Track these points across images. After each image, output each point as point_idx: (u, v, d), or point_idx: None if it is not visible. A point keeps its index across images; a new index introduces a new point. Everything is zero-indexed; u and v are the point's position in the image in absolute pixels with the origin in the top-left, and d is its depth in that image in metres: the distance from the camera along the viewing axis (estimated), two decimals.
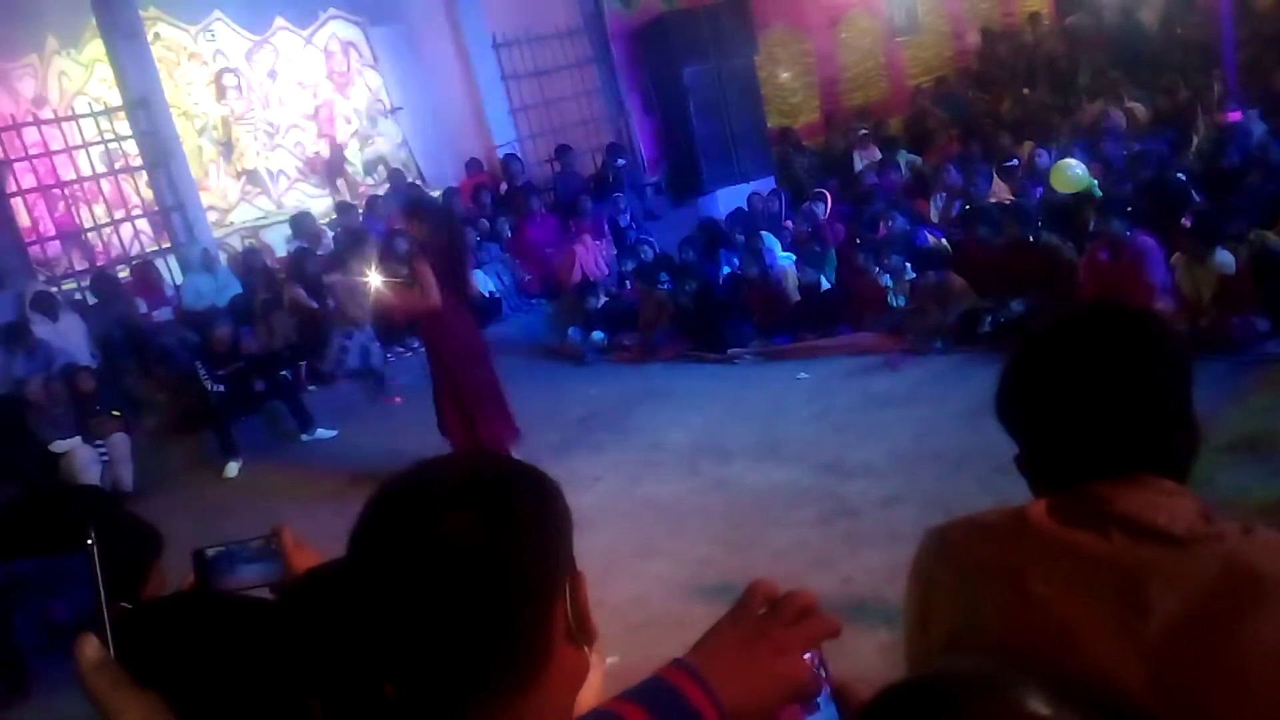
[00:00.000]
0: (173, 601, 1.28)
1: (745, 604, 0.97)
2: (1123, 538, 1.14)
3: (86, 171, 10.59)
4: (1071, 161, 8.64)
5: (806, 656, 0.94)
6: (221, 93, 11.88)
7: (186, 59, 11.70)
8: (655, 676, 0.89)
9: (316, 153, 12.55)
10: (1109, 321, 1.25)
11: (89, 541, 0.78)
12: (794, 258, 9.11)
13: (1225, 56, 10.54)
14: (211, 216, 11.29)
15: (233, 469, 8.08)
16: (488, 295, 10.30)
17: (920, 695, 0.68)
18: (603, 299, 9.90)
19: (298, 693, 1.00)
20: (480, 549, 0.85)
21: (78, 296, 10.00)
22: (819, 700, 0.94)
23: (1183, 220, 6.98)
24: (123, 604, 1.26)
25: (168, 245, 10.76)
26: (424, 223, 6.57)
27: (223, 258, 10.61)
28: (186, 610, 1.07)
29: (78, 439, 7.82)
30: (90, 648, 0.75)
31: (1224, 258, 6.52)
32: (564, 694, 0.92)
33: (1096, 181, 8.57)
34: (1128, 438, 1.19)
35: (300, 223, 10.78)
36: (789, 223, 10.07)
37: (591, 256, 10.70)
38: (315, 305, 9.68)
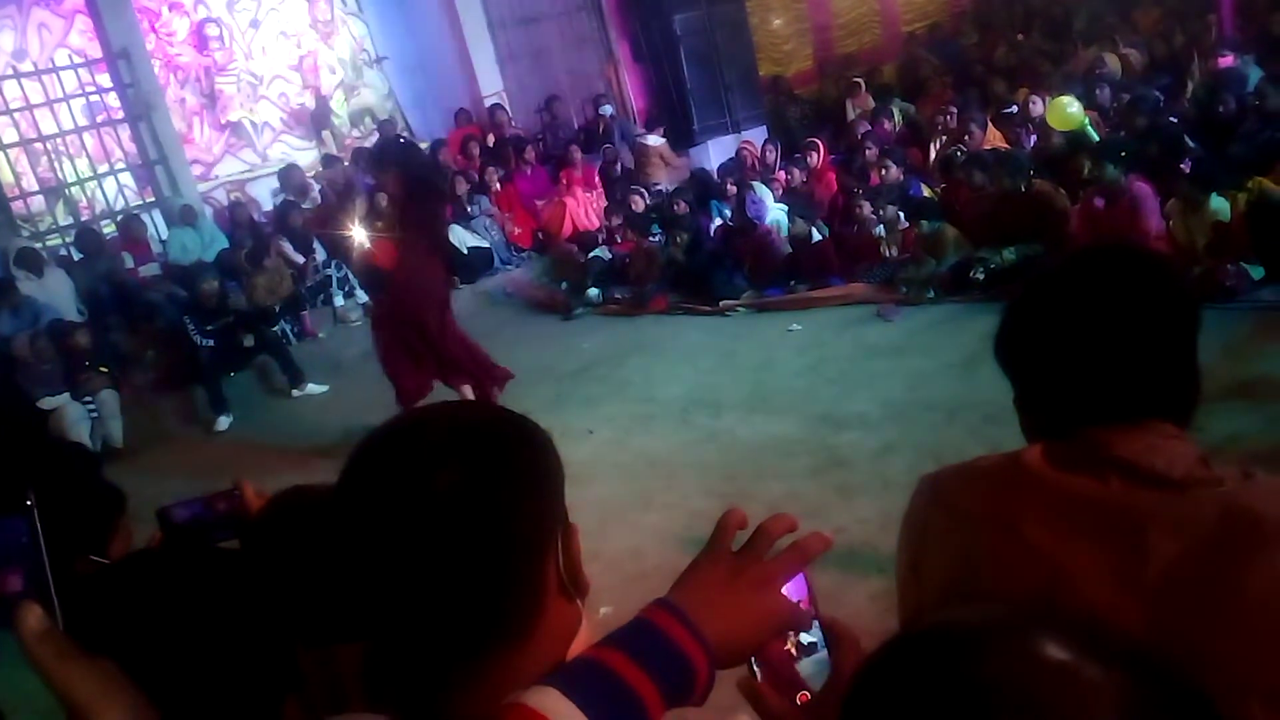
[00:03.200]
0: (138, 559, 1.26)
1: (719, 538, 0.95)
2: (1120, 482, 1.13)
3: (68, 125, 10.45)
4: (1067, 99, 8.57)
5: (798, 598, 0.92)
6: (203, 43, 11.67)
7: (167, 9, 11.48)
8: (637, 618, 0.87)
9: (301, 104, 12.37)
10: (1118, 263, 1.23)
11: (29, 504, 0.74)
12: (786, 208, 9.04)
13: (1222, 0, 10.42)
14: (196, 170, 11.17)
15: (223, 424, 8.06)
16: (476, 248, 10.22)
17: (935, 646, 0.66)
18: (597, 253, 9.82)
19: (279, 650, 0.98)
20: (468, 502, 0.83)
21: (63, 252, 9.90)
22: (815, 642, 0.92)
23: (1179, 167, 6.92)
24: (94, 558, 1.24)
25: (152, 199, 10.65)
26: (392, 171, 6.44)
27: (208, 212, 10.50)
28: (152, 568, 1.04)
29: (66, 396, 7.78)
30: (32, 617, 0.71)
31: (1219, 205, 6.48)
32: (556, 646, 0.91)
33: (1089, 120, 8.52)
34: (1132, 382, 1.17)
35: (288, 175, 10.66)
36: (782, 173, 9.99)
37: (582, 209, 10.62)
38: (302, 259, 9.62)
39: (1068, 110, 8.37)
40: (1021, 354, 1.26)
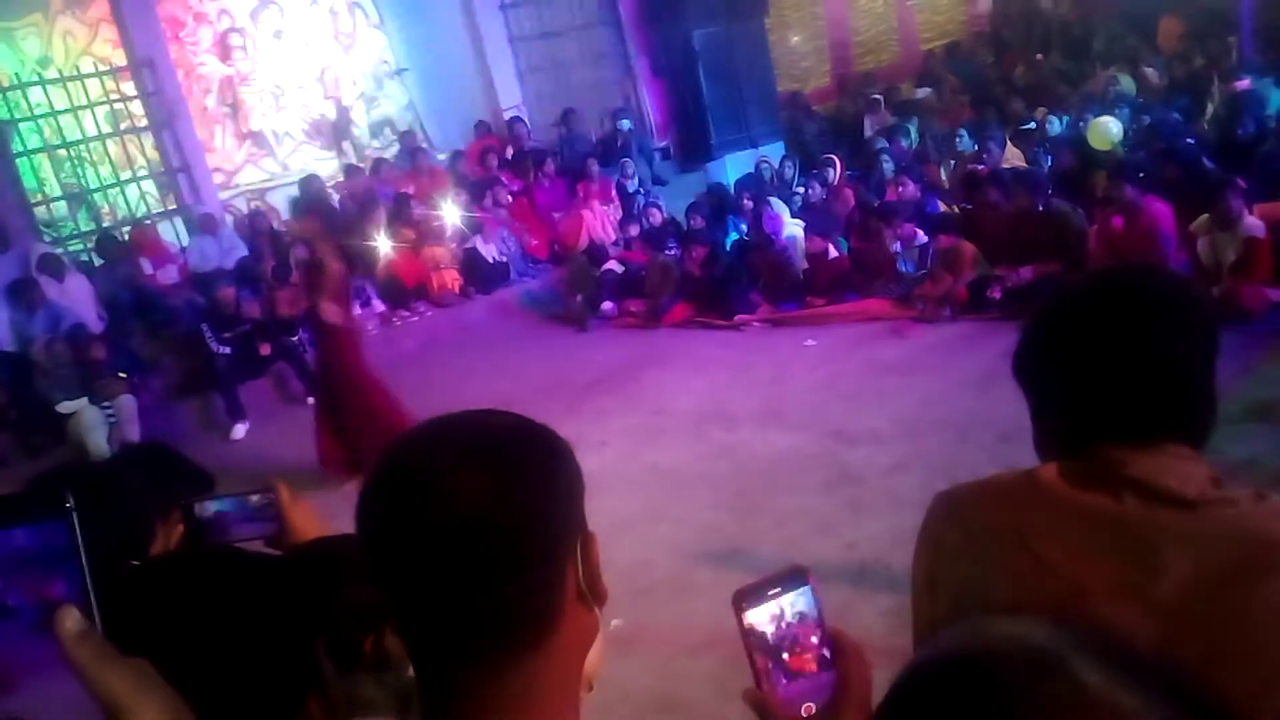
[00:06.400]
0: (167, 560, 1.28)
1: None
2: (1135, 501, 1.13)
3: (92, 132, 10.56)
4: (1108, 119, 8.64)
5: (809, 614, 0.92)
6: (227, 53, 11.78)
7: (192, 19, 11.60)
8: None
9: (322, 115, 12.47)
10: (1141, 283, 1.23)
11: (67, 507, 0.76)
12: (803, 224, 9.05)
13: (1242, 22, 10.40)
14: (217, 179, 11.27)
15: (239, 431, 8.10)
16: (493, 261, 10.29)
17: (968, 677, 0.64)
18: (612, 264, 9.84)
19: (301, 649, 0.99)
20: (489, 509, 0.84)
21: (84, 258, 9.99)
22: (817, 654, 0.93)
23: (1235, 181, 6.83)
24: (134, 562, 1.26)
25: (173, 207, 10.74)
26: (319, 224, 6.37)
27: (229, 220, 10.58)
28: (181, 569, 1.06)
29: (84, 400, 7.84)
30: (70, 620, 0.73)
31: (1252, 223, 6.44)
32: (574, 654, 0.91)
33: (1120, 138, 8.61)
34: (1150, 402, 1.17)
35: (308, 185, 10.74)
36: (800, 189, 10.00)
37: (599, 221, 10.65)
38: None
39: (1107, 130, 8.48)
40: (1040, 370, 1.27)
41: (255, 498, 1.46)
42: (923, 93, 12.96)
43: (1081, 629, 0.67)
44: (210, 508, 1.45)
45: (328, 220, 6.40)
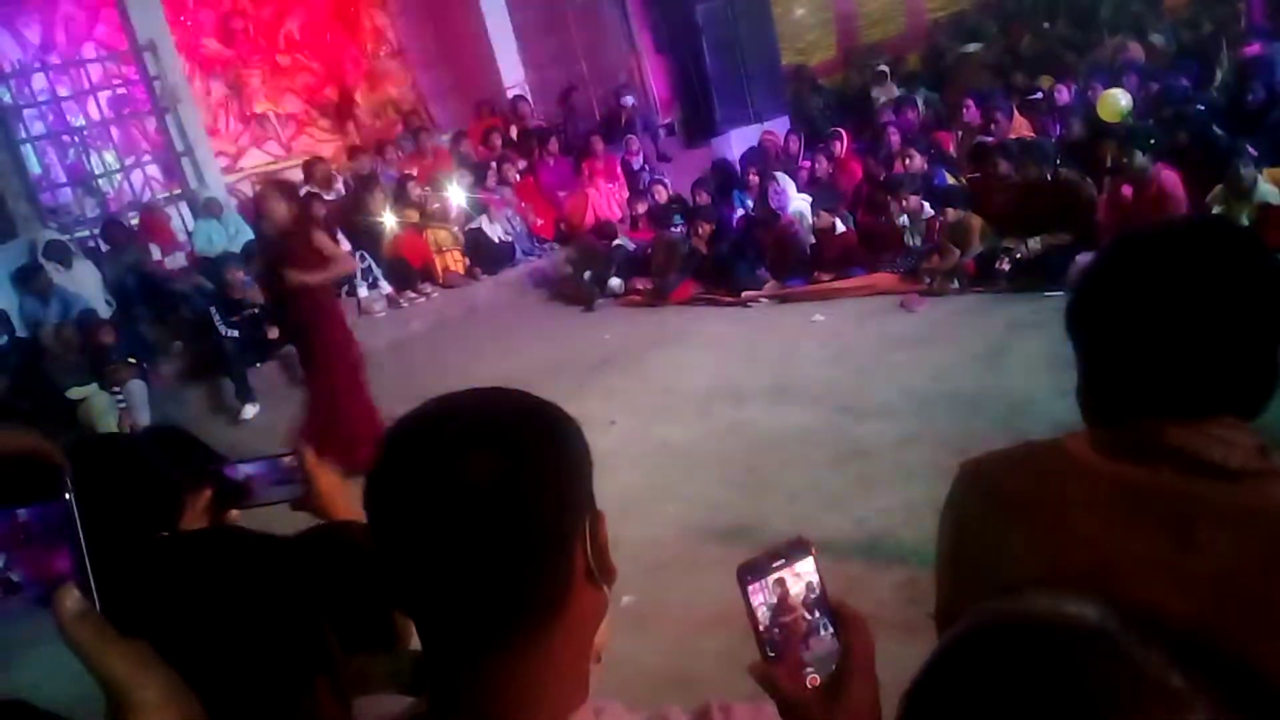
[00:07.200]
0: (172, 540, 1.28)
1: None
2: (1172, 472, 1.09)
3: (95, 117, 10.54)
4: (1118, 91, 8.55)
5: (806, 578, 0.92)
6: (229, 36, 11.74)
7: (193, 2, 11.55)
8: None
9: (325, 96, 12.43)
10: (1216, 239, 1.15)
11: (66, 488, 0.75)
12: (810, 198, 9.00)
13: None
14: (221, 162, 11.25)
15: (249, 413, 8.12)
16: (498, 241, 10.28)
17: (1020, 649, 0.63)
18: (622, 240, 9.82)
19: (309, 630, 0.99)
20: (497, 489, 0.83)
21: (90, 244, 10.00)
22: (820, 625, 0.93)
23: (1246, 149, 6.77)
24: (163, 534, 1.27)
25: (178, 191, 10.74)
26: (288, 204, 6.09)
27: (233, 204, 10.58)
28: (184, 549, 1.06)
29: (94, 386, 7.86)
30: (69, 599, 0.73)
31: (1267, 189, 6.39)
32: (583, 633, 0.91)
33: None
34: (1207, 375, 1.10)
35: (312, 167, 10.72)
36: (806, 163, 9.94)
37: (604, 199, 10.62)
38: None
39: (1118, 102, 8.38)
40: (1093, 328, 1.18)
41: (288, 459, 1.49)
42: (972, 47, 12.81)
43: (1125, 607, 0.66)
44: (243, 470, 1.48)
45: (277, 251, 6.23)
